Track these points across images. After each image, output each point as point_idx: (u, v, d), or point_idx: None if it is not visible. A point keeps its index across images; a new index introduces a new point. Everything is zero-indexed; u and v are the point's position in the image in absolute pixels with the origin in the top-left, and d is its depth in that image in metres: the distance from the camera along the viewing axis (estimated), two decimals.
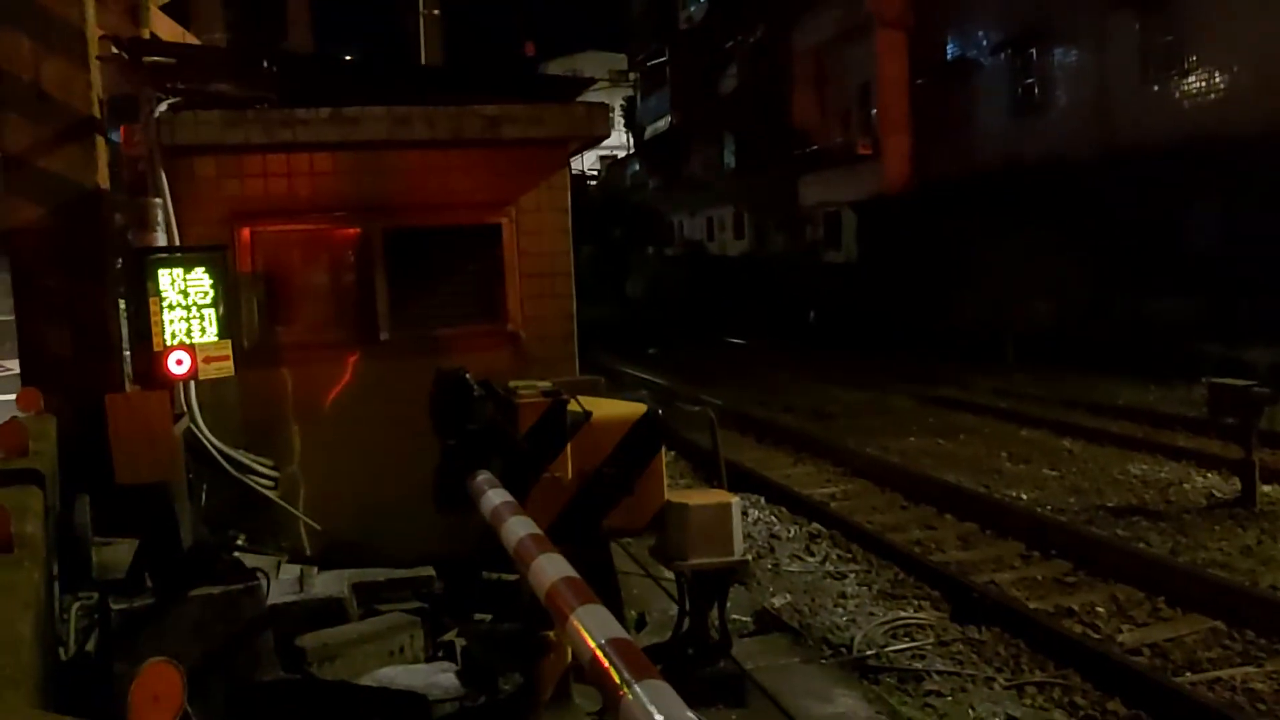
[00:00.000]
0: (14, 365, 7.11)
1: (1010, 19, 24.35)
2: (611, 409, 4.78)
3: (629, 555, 7.06)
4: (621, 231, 44.58)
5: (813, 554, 8.46)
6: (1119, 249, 20.03)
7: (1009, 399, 15.44)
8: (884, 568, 7.96)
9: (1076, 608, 6.94)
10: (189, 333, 4.84)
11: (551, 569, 2.95)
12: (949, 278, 23.48)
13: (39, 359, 5.93)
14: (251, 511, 5.80)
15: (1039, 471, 10.97)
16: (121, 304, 6.21)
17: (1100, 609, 6.93)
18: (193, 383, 5.39)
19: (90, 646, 4.82)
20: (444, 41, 20.64)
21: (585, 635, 2.46)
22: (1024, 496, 9.93)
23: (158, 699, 2.14)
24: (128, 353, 6.01)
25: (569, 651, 4.22)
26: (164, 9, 8.13)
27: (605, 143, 9.86)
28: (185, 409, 5.45)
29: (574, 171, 9.16)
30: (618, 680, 2.20)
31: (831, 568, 8.09)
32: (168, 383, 4.80)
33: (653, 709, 2.05)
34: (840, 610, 7.13)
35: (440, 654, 5.42)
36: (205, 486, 5.37)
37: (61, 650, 4.67)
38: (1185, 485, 10.05)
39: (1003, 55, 24.73)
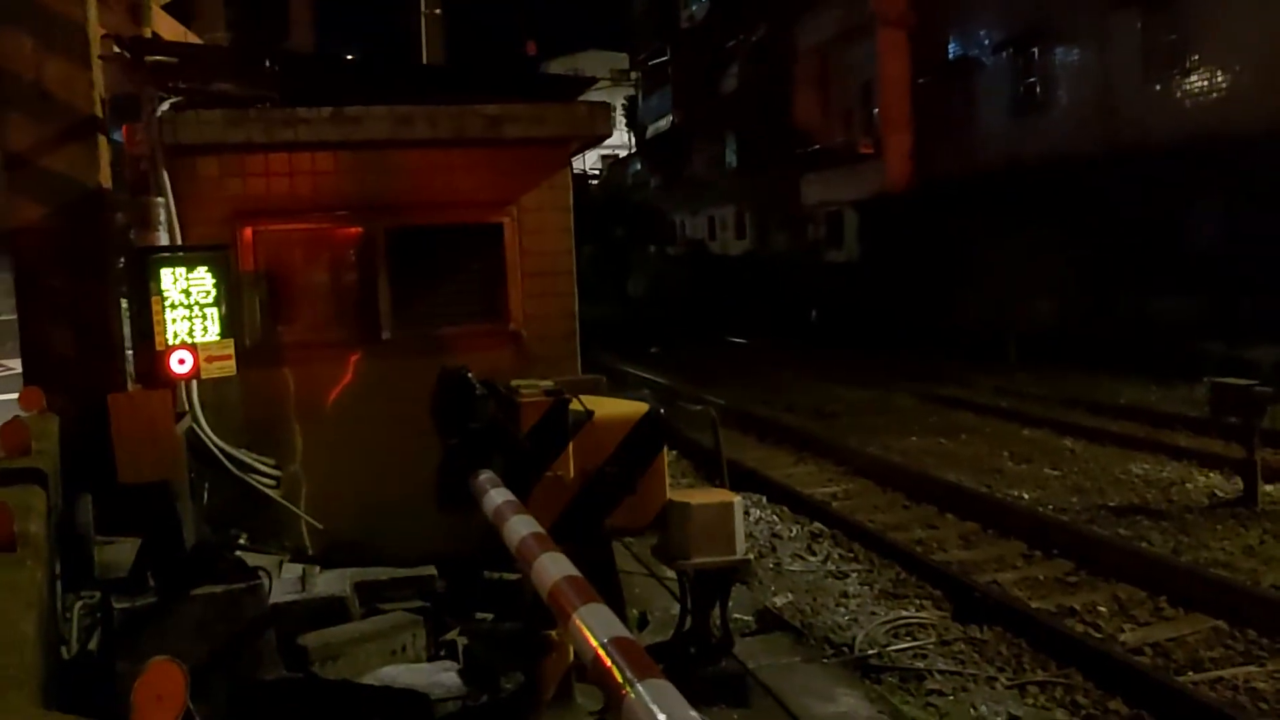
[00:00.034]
0: (16, 364, 7.12)
1: (1012, 18, 24.33)
2: (613, 408, 4.78)
3: (631, 554, 7.07)
4: (623, 231, 44.59)
5: (814, 553, 8.45)
6: (1121, 248, 20.02)
7: (1011, 398, 15.43)
8: (886, 567, 7.96)
9: (1078, 607, 6.94)
10: (191, 332, 4.84)
11: (554, 568, 2.95)
12: (951, 277, 23.48)
13: (41, 358, 5.94)
14: (253, 511, 5.81)
15: (1041, 471, 10.97)
16: (124, 303, 6.22)
17: (1102, 608, 6.92)
18: (195, 382, 5.40)
19: (93, 645, 4.82)
20: (446, 41, 20.64)
21: (588, 634, 2.46)
22: (1026, 496, 9.93)
23: (161, 698, 2.14)
24: (130, 352, 6.01)
25: (571, 650, 4.23)
26: (166, 8, 8.14)
27: (607, 142, 9.86)
28: (187, 408, 5.46)
29: (575, 171, 9.16)
30: (620, 679, 2.20)
31: (833, 567, 8.09)
32: (170, 382, 4.80)
33: (655, 708, 2.05)
34: (842, 609, 7.13)
35: (442, 653, 5.42)
36: (207, 486, 5.37)
37: (64, 649, 4.67)
38: (1187, 485, 10.05)
39: (1005, 54, 24.71)
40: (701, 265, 38.64)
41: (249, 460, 5.77)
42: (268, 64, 6.48)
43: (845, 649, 6.37)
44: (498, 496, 3.86)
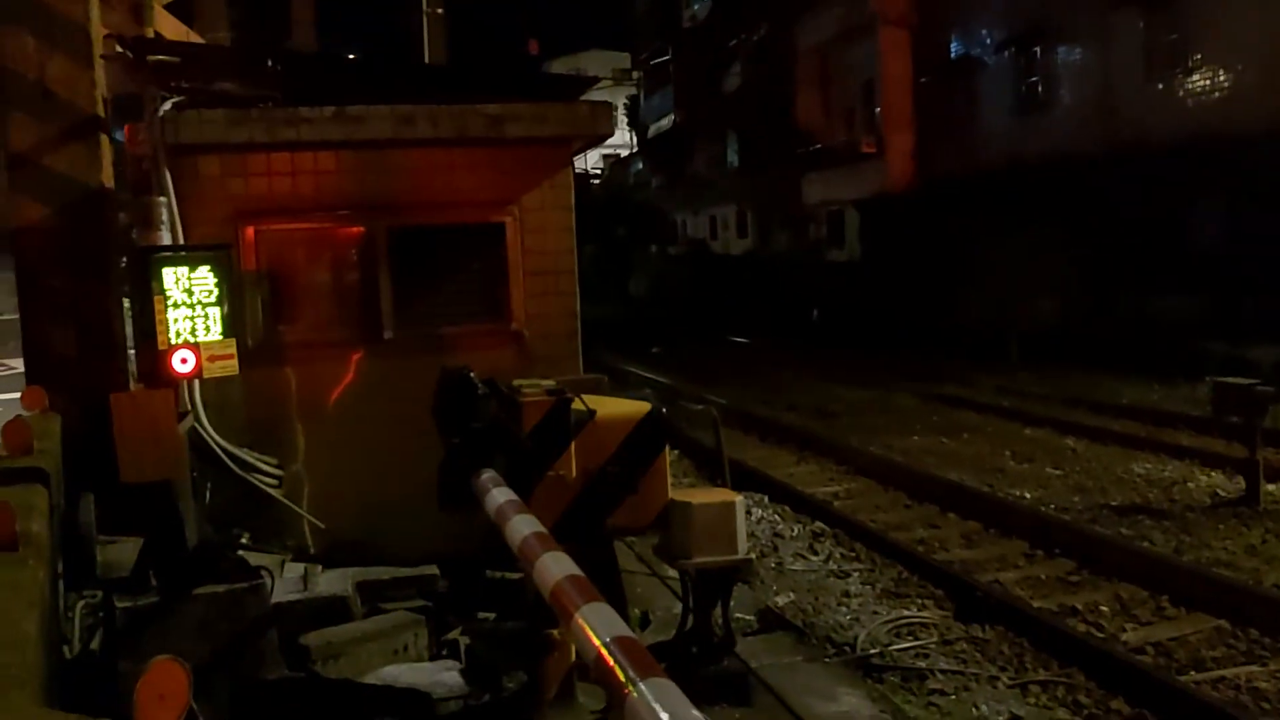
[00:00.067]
0: (18, 364, 7.13)
1: (1014, 17, 24.31)
2: (615, 408, 4.78)
3: (633, 554, 7.07)
4: (625, 230, 44.61)
5: (816, 553, 8.45)
6: (1123, 247, 20.01)
7: (1012, 397, 15.42)
8: (887, 566, 7.96)
9: (1080, 606, 6.94)
10: (193, 331, 4.85)
11: (556, 567, 2.95)
12: (952, 276, 23.47)
13: (44, 358, 5.94)
14: (256, 510, 5.81)
15: (1043, 470, 10.96)
16: (126, 302, 6.23)
17: (1104, 608, 6.92)
18: (197, 381, 5.40)
19: (95, 645, 4.83)
20: (448, 40, 20.66)
21: (590, 633, 2.46)
22: (1028, 495, 9.92)
23: (164, 697, 2.14)
24: (132, 351, 6.02)
25: (573, 650, 4.23)
26: (168, 8, 8.15)
27: (609, 141, 9.86)
28: (190, 407, 5.46)
29: (577, 170, 9.16)
30: (623, 678, 2.20)
31: (835, 566, 8.09)
32: (172, 381, 4.81)
33: (658, 707, 2.05)
34: (844, 609, 7.13)
35: (444, 652, 5.42)
36: (209, 485, 5.37)
37: (66, 649, 4.68)
38: (1189, 484, 10.04)
39: (1006, 53, 24.70)
40: (703, 265, 38.66)
41: (251, 460, 5.78)
42: (270, 63, 6.49)
43: (847, 648, 6.37)
44: (500, 496, 3.87)
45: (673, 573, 5.72)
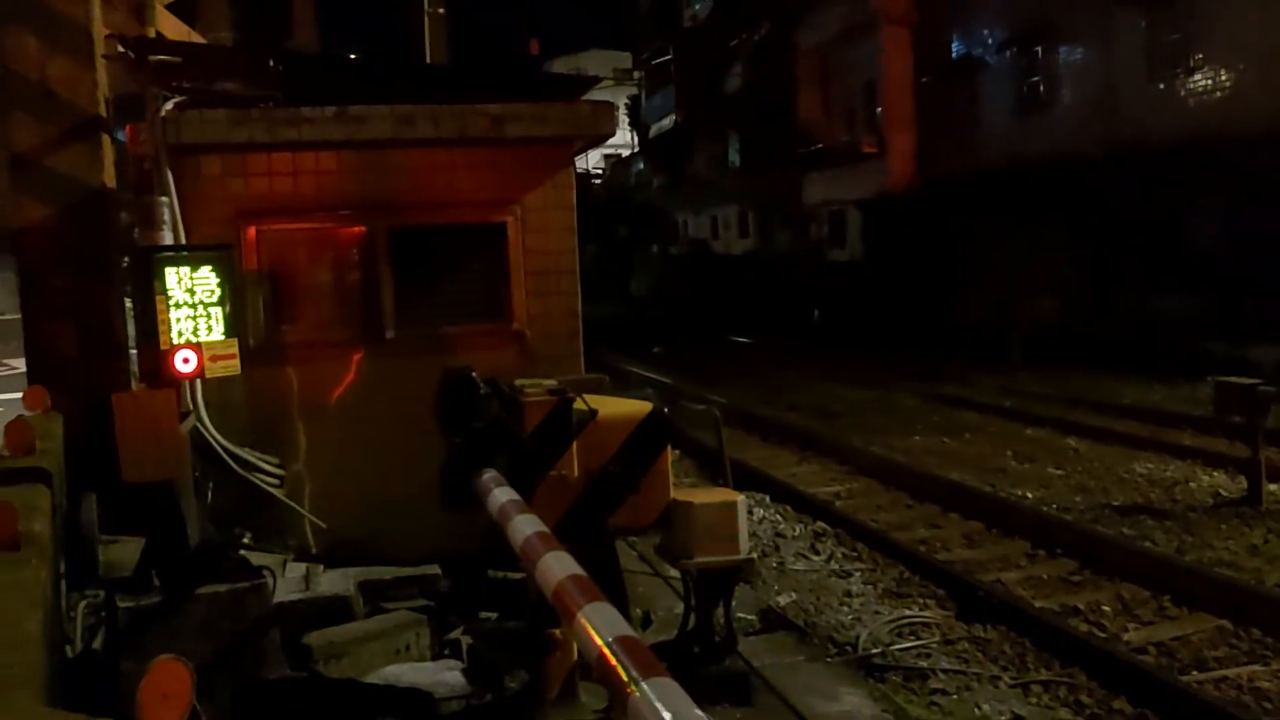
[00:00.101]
0: (20, 364, 7.14)
1: (1015, 16, 24.30)
2: (617, 407, 4.78)
3: (635, 554, 7.07)
4: (626, 230, 44.64)
5: (818, 552, 8.45)
6: (1123, 247, 20.00)
7: (1014, 397, 15.42)
8: (889, 566, 7.95)
9: (1082, 606, 6.93)
10: (195, 331, 4.85)
11: (558, 567, 2.95)
12: (953, 276, 23.47)
13: (45, 358, 5.95)
14: (257, 510, 5.81)
15: (1044, 470, 10.96)
16: (128, 302, 6.23)
17: (1106, 608, 6.92)
18: (199, 381, 5.40)
19: (97, 644, 4.83)
20: (449, 40, 20.64)
21: (592, 633, 2.46)
22: (1029, 495, 9.92)
23: (167, 697, 2.14)
24: (134, 351, 6.02)
25: (575, 649, 4.23)
26: (169, 8, 8.16)
27: (610, 141, 9.86)
28: (191, 407, 5.46)
29: (579, 170, 9.15)
30: (625, 678, 2.20)
31: (837, 566, 8.09)
32: (174, 381, 4.81)
33: (660, 706, 2.05)
34: (846, 609, 7.13)
35: (446, 652, 5.43)
36: (211, 485, 5.37)
37: (68, 648, 4.68)
38: (1191, 484, 10.03)
39: (1008, 53, 24.69)
40: (704, 265, 38.66)
41: (253, 459, 5.78)
42: (271, 64, 6.49)
43: (849, 648, 6.37)
44: (502, 495, 3.87)
45: (674, 572, 5.72)
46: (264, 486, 5.78)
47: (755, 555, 7.05)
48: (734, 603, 5.14)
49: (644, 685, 2.13)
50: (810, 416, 14.86)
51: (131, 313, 6.00)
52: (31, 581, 3.18)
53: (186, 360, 4.75)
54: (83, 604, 5.04)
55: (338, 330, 6.36)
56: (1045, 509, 9.23)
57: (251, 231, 6.11)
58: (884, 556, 8.17)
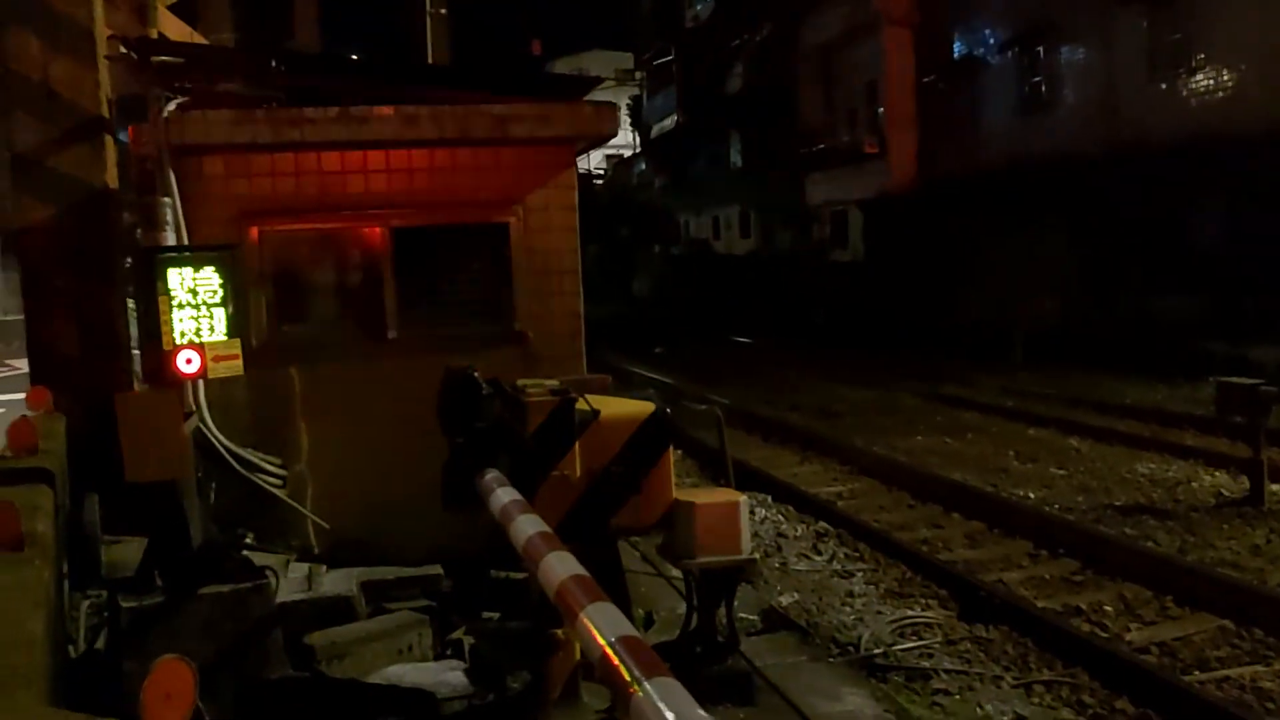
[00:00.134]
0: (23, 364, 7.15)
1: (1017, 17, 24.30)
2: (619, 408, 4.79)
3: (638, 554, 7.07)
4: (628, 230, 44.63)
5: (820, 552, 8.45)
6: (1124, 247, 19.99)
7: (1015, 397, 15.42)
8: (891, 566, 7.95)
9: (1084, 606, 6.93)
10: (198, 331, 4.86)
11: (561, 567, 2.95)
12: (955, 276, 23.46)
13: (48, 358, 5.96)
14: (260, 510, 5.81)
15: (1046, 470, 10.96)
16: (130, 303, 6.24)
17: (1108, 608, 6.91)
18: (201, 381, 5.41)
19: (100, 644, 4.84)
20: (451, 41, 20.66)
21: (595, 633, 2.46)
22: (1031, 495, 9.92)
23: (170, 697, 2.14)
24: (137, 351, 6.03)
25: (578, 649, 4.23)
26: (172, 9, 8.17)
27: (612, 142, 9.85)
28: (194, 407, 5.47)
29: (581, 170, 9.16)
30: (628, 678, 2.20)
31: (839, 566, 8.08)
32: (177, 381, 4.81)
33: (663, 706, 2.05)
34: (848, 609, 7.13)
35: (449, 652, 5.42)
36: (214, 485, 5.38)
37: (71, 648, 4.69)
38: (1193, 484, 10.03)
39: (1010, 53, 24.68)
40: (706, 265, 38.66)
41: (255, 459, 5.78)
42: (273, 64, 6.50)
43: (851, 648, 6.37)
44: (504, 496, 3.87)
45: (677, 573, 5.72)
46: (266, 487, 5.78)
47: (757, 555, 7.06)
48: (736, 603, 5.15)
49: (647, 685, 2.14)
50: (812, 417, 14.85)
51: (134, 313, 6.01)
52: (34, 582, 3.18)
53: (189, 361, 4.76)
54: (85, 604, 5.05)
55: (340, 330, 6.36)
56: (1047, 509, 9.23)
57: (254, 232, 6.11)
58: (886, 557, 8.16)
